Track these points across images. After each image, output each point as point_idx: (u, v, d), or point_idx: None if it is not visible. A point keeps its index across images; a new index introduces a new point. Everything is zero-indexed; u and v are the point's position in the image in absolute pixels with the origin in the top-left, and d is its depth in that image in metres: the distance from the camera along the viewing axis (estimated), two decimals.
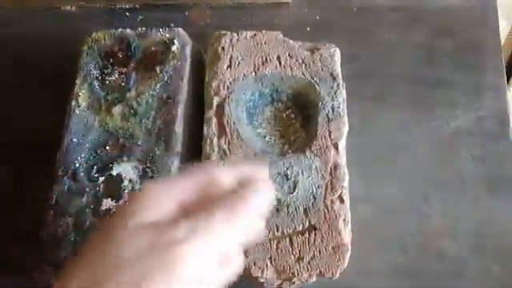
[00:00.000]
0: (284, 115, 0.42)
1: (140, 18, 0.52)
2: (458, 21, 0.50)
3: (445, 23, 0.50)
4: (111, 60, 0.43)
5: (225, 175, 0.27)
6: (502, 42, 0.85)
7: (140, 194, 0.25)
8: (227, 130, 0.39)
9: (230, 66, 0.41)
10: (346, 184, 0.38)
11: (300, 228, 0.37)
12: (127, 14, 0.53)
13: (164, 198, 0.25)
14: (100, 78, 0.42)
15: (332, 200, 0.37)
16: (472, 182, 0.44)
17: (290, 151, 0.39)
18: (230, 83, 0.41)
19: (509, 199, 0.43)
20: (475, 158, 0.45)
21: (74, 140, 0.40)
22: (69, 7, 0.54)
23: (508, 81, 0.94)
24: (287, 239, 0.36)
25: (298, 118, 0.42)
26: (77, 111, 0.41)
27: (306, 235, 0.36)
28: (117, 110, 0.41)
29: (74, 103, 0.41)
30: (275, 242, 0.36)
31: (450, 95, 0.47)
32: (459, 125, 0.46)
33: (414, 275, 0.42)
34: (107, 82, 0.42)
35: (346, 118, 0.40)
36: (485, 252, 0.42)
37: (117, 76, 0.42)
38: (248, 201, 0.25)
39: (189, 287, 0.22)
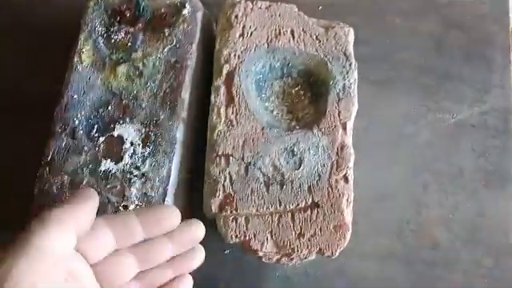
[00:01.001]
0: (293, 91, 0.41)
1: None
2: (470, 15, 0.50)
3: (456, 16, 0.50)
4: (118, 18, 0.41)
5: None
6: None
7: None
8: (235, 99, 0.38)
9: (242, 35, 0.40)
10: (351, 164, 0.37)
11: (303, 204, 0.36)
12: None
13: None
14: (105, 35, 0.41)
15: (337, 179, 0.37)
16: (471, 175, 0.44)
17: (297, 127, 0.39)
18: (242, 52, 0.39)
19: (506, 194, 0.44)
20: (476, 152, 0.45)
21: (75, 97, 0.39)
22: None
23: None
24: (289, 215, 0.36)
25: (307, 95, 0.41)
26: (79, 67, 0.39)
27: (308, 212, 0.36)
28: (121, 69, 0.39)
29: (76, 59, 0.40)
30: (277, 216, 0.36)
31: (456, 88, 0.47)
32: (463, 118, 0.46)
33: (407, 261, 0.42)
34: (113, 40, 0.40)
35: (356, 99, 0.39)
36: (478, 244, 0.42)
37: (123, 35, 0.41)
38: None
39: None
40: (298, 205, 0.36)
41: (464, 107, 0.46)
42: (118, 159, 0.37)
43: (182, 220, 0.32)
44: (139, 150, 0.37)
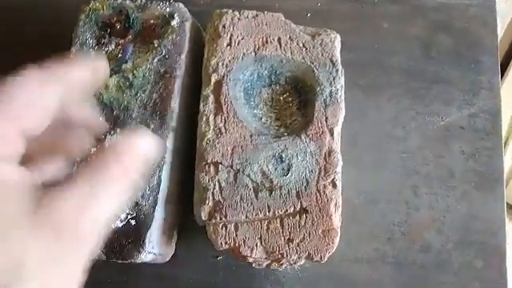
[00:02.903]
0: (281, 98, 0.41)
1: None
2: (457, 18, 0.51)
3: (443, 19, 0.51)
4: (108, 30, 0.42)
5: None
6: None
7: None
8: (224, 108, 0.39)
9: (229, 45, 0.41)
10: (339, 169, 0.38)
11: (291, 210, 0.37)
12: None
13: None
14: (96, 47, 0.41)
15: (325, 184, 0.37)
16: (461, 177, 0.45)
17: (285, 134, 0.39)
18: (229, 61, 0.40)
19: (496, 196, 0.44)
20: (466, 154, 0.45)
21: None
22: None
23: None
24: (278, 220, 0.36)
25: (294, 102, 0.41)
26: None
27: (297, 218, 0.36)
28: (112, 81, 0.40)
29: None
30: (266, 222, 0.36)
31: (445, 90, 0.47)
32: (452, 120, 0.46)
33: (398, 264, 0.42)
34: (103, 52, 0.41)
35: (343, 105, 0.40)
36: (469, 246, 0.43)
37: (113, 47, 0.41)
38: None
39: None
40: (287, 210, 0.37)
41: (453, 110, 0.47)
42: None
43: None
44: None
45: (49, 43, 0.46)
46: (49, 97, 0.20)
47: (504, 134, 1.00)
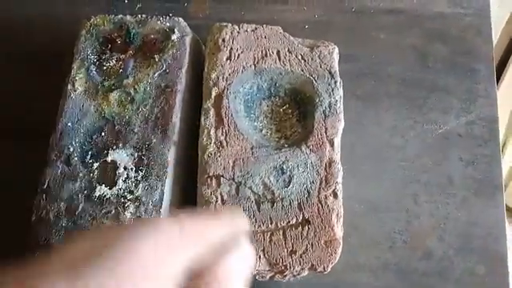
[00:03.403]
0: (281, 110, 0.42)
1: (138, 6, 0.52)
2: (452, 27, 0.51)
3: (440, 29, 0.51)
4: (109, 46, 0.43)
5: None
6: None
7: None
8: (225, 121, 0.39)
9: (229, 58, 0.41)
10: (339, 180, 0.38)
11: (293, 221, 0.37)
12: (126, 1, 0.52)
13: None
14: (97, 63, 0.42)
15: (326, 195, 0.38)
16: (461, 185, 0.45)
17: (286, 145, 0.39)
18: (229, 75, 0.41)
19: (495, 202, 0.45)
20: (464, 161, 0.46)
21: (69, 124, 0.40)
22: None
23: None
24: (280, 232, 0.37)
25: (294, 113, 0.42)
26: (72, 95, 0.41)
27: (300, 229, 0.37)
28: (114, 96, 0.41)
29: (70, 87, 0.41)
30: (268, 234, 0.37)
31: (442, 99, 0.48)
32: (450, 128, 0.47)
33: (400, 272, 0.43)
34: (104, 67, 0.42)
35: (342, 115, 0.40)
36: (470, 252, 0.43)
37: (114, 62, 0.42)
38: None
39: None
40: (289, 222, 0.37)
41: (451, 118, 0.47)
42: (112, 184, 0.38)
43: None
44: (132, 174, 0.38)
45: (49, 58, 0.47)
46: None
47: (501, 136, 1.00)
